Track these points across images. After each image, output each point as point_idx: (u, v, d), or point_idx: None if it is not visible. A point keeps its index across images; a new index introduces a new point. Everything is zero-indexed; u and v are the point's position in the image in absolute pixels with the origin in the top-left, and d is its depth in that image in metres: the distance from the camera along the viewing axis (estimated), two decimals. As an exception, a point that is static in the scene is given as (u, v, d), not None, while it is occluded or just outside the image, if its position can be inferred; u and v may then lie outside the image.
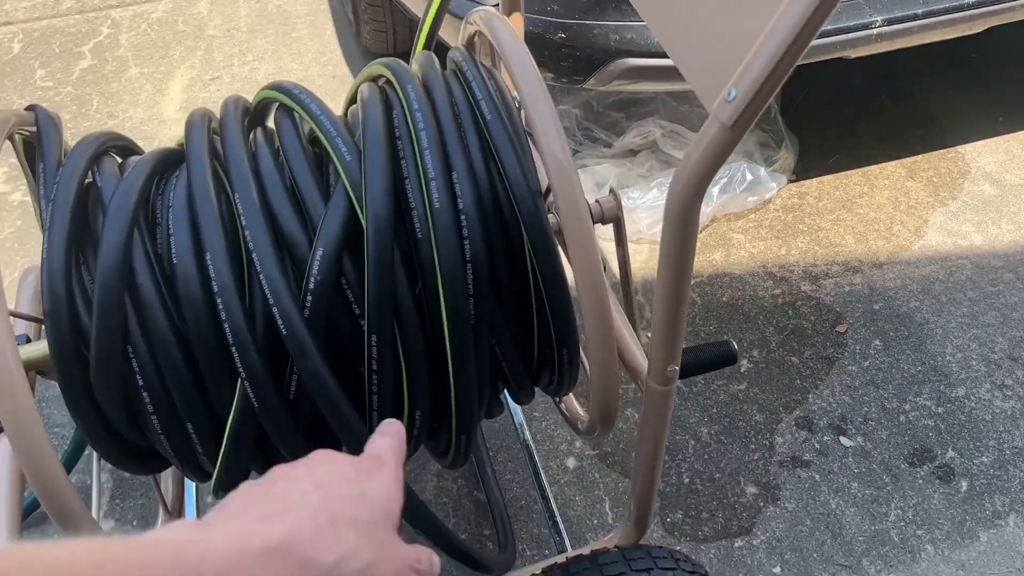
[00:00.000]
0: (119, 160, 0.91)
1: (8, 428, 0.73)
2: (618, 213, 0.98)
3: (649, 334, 0.87)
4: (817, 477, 1.40)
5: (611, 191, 0.97)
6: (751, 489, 1.39)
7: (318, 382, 0.79)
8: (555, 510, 1.23)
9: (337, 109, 0.95)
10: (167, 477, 1.20)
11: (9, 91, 2.42)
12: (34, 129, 0.92)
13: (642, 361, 0.95)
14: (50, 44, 2.61)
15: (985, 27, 1.57)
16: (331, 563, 0.48)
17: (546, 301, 0.86)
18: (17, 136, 0.93)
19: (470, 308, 0.82)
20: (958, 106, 2.13)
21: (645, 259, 1.78)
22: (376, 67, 0.95)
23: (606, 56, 1.47)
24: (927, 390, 1.52)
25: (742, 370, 1.57)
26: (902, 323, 1.63)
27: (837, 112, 2.12)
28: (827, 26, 1.45)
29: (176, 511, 1.14)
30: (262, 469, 0.92)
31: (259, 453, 0.89)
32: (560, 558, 1.04)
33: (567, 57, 1.51)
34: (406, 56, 2.12)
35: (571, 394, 1.22)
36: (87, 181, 0.85)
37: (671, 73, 1.51)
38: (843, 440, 1.45)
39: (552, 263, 0.84)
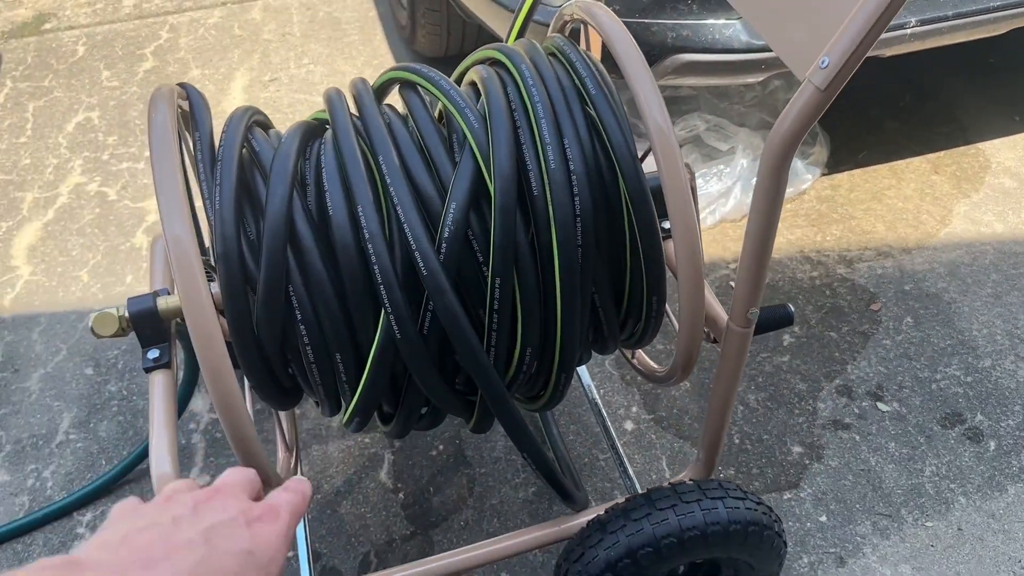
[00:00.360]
0: (262, 128, 1.04)
1: (204, 367, 0.85)
2: (693, 183, 1.10)
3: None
4: (857, 438, 1.52)
5: (686, 164, 1.10)
6: (797, 449, 1.51)
7: (451, 316, 0.90)
8: (623, 456, 1.35)
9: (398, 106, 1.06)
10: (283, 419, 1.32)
11: (78, 90, 2.54)
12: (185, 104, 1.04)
13: (719, 311, 1.07)
14: (113, 47, 2.74)
15: (1007, 29, 1.69)
16: None
17: (641, 253, 0.98)
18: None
19: (578, 258, 0.94)
20: (978, 107, 2.25)
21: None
22: (486, 51, 1.07)
23: (663, 51, 1.59)
24: (956, 361, 1.63)
25: (785, 343, 1.68)
26: (931, 302, 1.75)
27: (865, 112, 2.25)
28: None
29: (294, 448, 1.25)
30: (392, 404, 1.04)
31: (391, 389, 1.01)
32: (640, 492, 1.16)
33: (625, 54, 1.63)
34: (458, 58, 2.27)
35: (642, 351, 1.33)
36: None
37: (720, 68, 1.63)
38: (880, 405, 1.57)
39: (649, 218, 0.95)
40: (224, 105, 2.43)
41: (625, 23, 1.59)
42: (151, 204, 2.10)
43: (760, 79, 1.68)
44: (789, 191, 1.95)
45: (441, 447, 1.53)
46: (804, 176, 1.96)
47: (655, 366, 1.24)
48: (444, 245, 0.90)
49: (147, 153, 2.30)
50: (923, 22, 1.60)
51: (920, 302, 1.75)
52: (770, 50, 1.59)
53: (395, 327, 0.90)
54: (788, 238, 1.90)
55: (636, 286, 1.02)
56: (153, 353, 0.97)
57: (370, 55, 2.59)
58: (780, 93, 2.07)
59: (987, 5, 1.62)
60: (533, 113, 0.94)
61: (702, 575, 1.20)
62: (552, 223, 0.92)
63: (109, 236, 2.04)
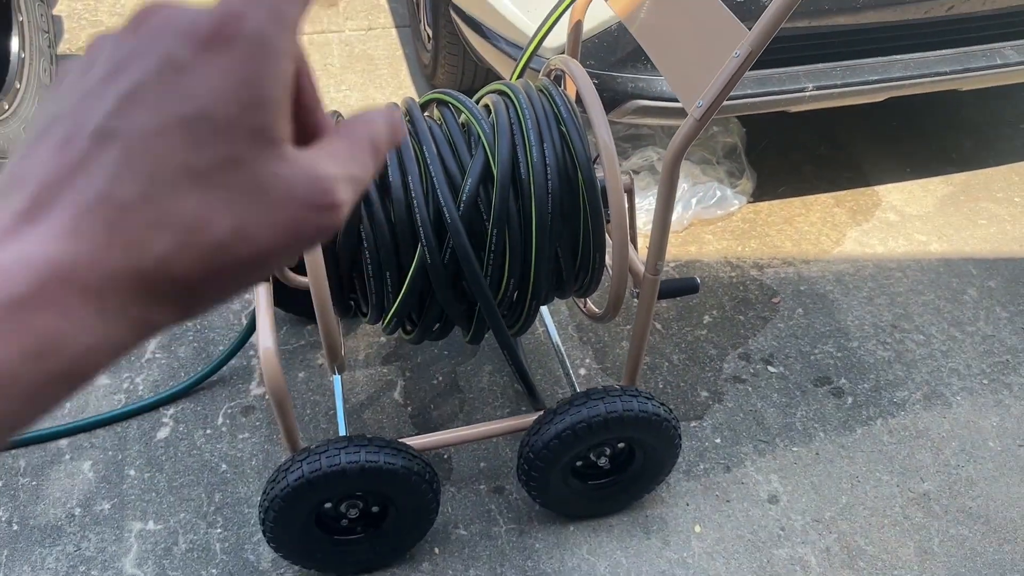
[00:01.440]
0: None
1: (311, 278, 1.30)
2: (631, 186, 1.57)
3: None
4: (750, 389, 1.98)
5: (627, 174, 1.58)
6: (704, 393, 1.97)
7: (463, 251, 1.37)
8: (573, 377, 1.80)
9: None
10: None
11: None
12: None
13: (640, 268, 1.53)
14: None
15: (885, 97, 2.19)
16: (157, 259, 0.27)
17: (590, 223, 1.45)
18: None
19: (548, 221, 1.41)
20: (879, 158, 2.75)
21: (640, 247, 2.37)
22: (497, 85, 1.55)
23: (625, 97, 2.07)
24: (831, 342, 2.10)
25: (704, 321, 2.15)
26: (819, 299, 2.22)
27: (788, 157, 2.74)
28: (774, 88, 2.08)
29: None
30: (417, 315, 1.49)
31: (418, 305, 1.47)
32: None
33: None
34: (470, 90, 2.71)
35: (588, 301, 1.79)
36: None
37: (667, 112, 2.11)
38: (770, 368, 2.03)
39: (595, 200, 1.42)
40: (275, 118, 2.90)
41: (597, 74, 2.08)
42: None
43: (696, 122, 2.17)
44: (719, 212, 2.43)
45: (440, 378, 1.99)
46: (732, 201, 2.44)
47: (596, 310, 1.70)
48: (462, 205, 1.37)
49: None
50: (818, 88, 2.09)
51: (811, 299, 2.22)
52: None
53: (427, 255, 1.37)
54: (716, 247, 2.38)
55: (586, 245, 1.48)
56: (260, 270, 1.43)
57: (396, 86, 3.07)
58: (718, 136, 2.56)
59: (867, 78, 2.12)
60: (524, 127, 1.41)
61: (623, 457, 1.65)
62: (532, 197, 1.39)
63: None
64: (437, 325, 1.54)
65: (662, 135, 2.51)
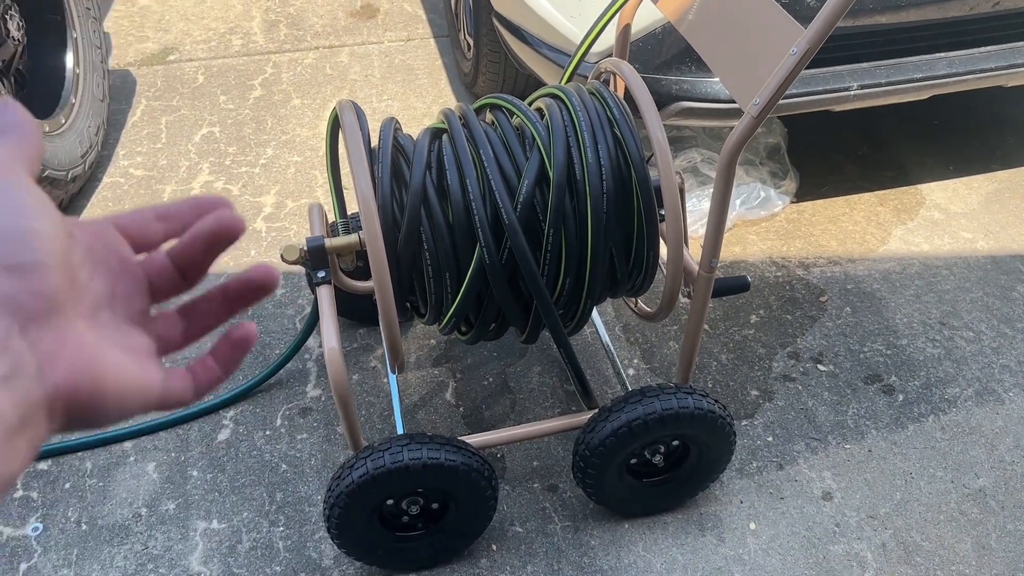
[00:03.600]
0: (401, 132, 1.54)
1: (375, 273, 1.34)
2: (682, 185, 1.59)
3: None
4: (800, 387, 1.99)
5: (679, 174, 1.60)
6: (754, 392, 1.98)
7: (521, 251, 1.39)
8: (623, 374, 1.82)
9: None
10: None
11: (201, 110, 3.08)
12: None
13: (694, 267, 1.55)
14: (227, 77, 3.29)
15: (929, 95, 2.19)
16: None
17: (644, 222, 1.47)
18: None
19: (603, 221, 1.43)
20: (922, 157, 2.74)
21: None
22: (549, 89, 1.58)
23: (669, 99, 2.10)
24: (880, 340, 2.11)
25: (752, 321, 2.16)
26: (867, 298, 2.22)
27: (830, 157, 2.74)
28: (818, 87, 2.09)
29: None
30: (475, 316, 1.52)
31: (476, 305, 1.50)
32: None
33: (641, 99, 2.14)
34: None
35: (640, 300, 1.81)
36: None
37: (710, 113, 2.13)
38: (819, 367, 2.04)
39: (650, 201, 1.45)
40: (321, 128, 2.96)
41: (642, 77, 2.09)
42: (266, 199, 2.62)
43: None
44: (763, 213, 2.45)
45: (491, 379, 2.02)
46: (776, 202, 2.45)
47: (648, 309, 1.72)
48: (519, 206, 1.40)
49: (262, 160, 2.82)
50: (862, 87, 2.10)
51: (858, 297, 2.22)
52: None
53: (486, 256, 1.40)
54: (761, 247, 2.39)
55: (640, 245, 1.51)
56: (321, 273, 1.47)
57: (436, 95, 3.12)
58: (761, 137, 2.57)
59: (911, 76, 2.12)
60: (579, 128, 1.44)
61: (678, 455, 1.67)
62: (588, 197, 1.42)
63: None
64: (493, 325, 1.56)
65: (704, 136, 2.53)
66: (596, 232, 1.43)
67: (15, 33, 2.32)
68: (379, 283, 1.35)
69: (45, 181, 2.27)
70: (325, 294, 1.51)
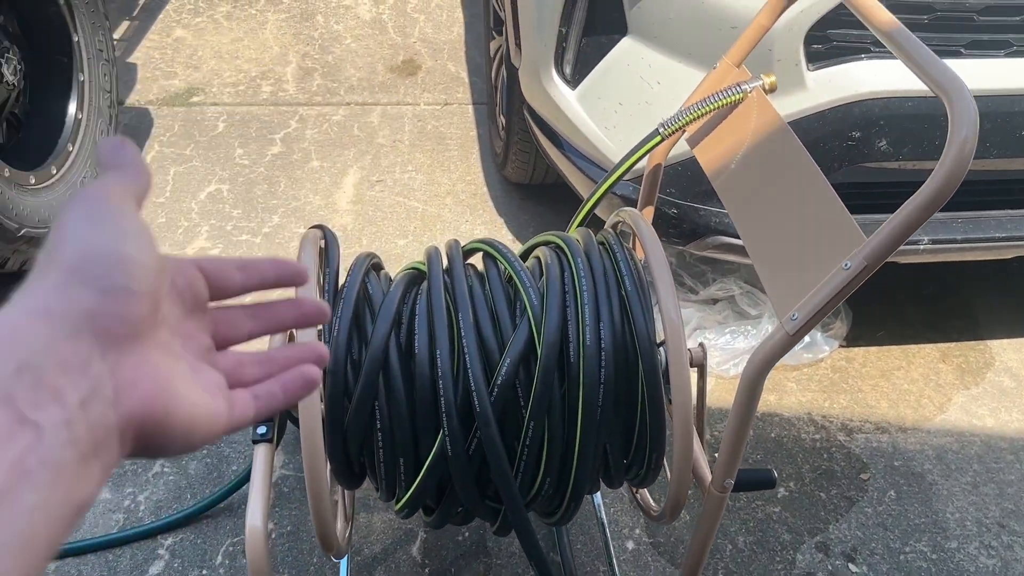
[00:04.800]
0: (376, 270, 1.33)
1: (305, 449, 1.12)
2: (703, 361, 1.35)
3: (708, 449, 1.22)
4: (825, 592, 1.71)
5: (700, 344, 1.35)
6: (771, 591, 1.70)
7: (491, 444, 1.16)
8: (615, 564, 1.56)
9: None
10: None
11: (214, 162, 2.92)
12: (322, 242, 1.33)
13: (706, 472, 1.30)
14: (248, 127, 3.13)
15: (1012, 255, 1.91)
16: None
17: (648, 419, 1.23)
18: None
19: (597, 416, 1.19)
20: (995, 306, 2.45)
21: (712, 388, 2.13)
22: (552, 237, 1.35)
23: (706, 231, 1.85)
24: (926, 538, 1.82)
25: (779, 495, 1.89)
26: (915, 480, 1.94)
27: (891, 295, 2.46)
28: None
29: (351, 520, 1.51)
30: (435, 502, 1.29)
31: (437, 494, 1.26)
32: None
33: (676, 227, 1.90)
34: (540, 186, 2.57)
35: (645, 489, 1.56)
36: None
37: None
38: (851, 567, 1.75)
39: (657, 396, 1.20)
40: (335, 197, 2.77)
41: (678, 203, 1.86)
42: (260, 276, 2.42)
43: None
44: (807, 357, 2.18)
45: (467, 534, 1.77)
46: (822, 347, 2.18)
47: (653, 504, 1.47)
48: (496, 389, 1.16)
49: (265, 228, 2.64)
50: (934, 241, 1.84)
51: (905, 479, 1.94)
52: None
53: (448, 447, 1.16)
54: (799, 399, 2.12)
55: (642, 439, 1.26)
56: (261, 429, 1.25)
57: (464, 171, 2.91)
58: (813, 269, 2.31)
59: (992, 235, 1.85)
60: (580, 299, 1.20)
61: None
62: (581, 386, 1.18)
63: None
64: (459, 510, 1.33)
65: (748, 267, 2.27)
66: (587, 428, 1.19)
67: (9, 77, 2.17)
68: (310, 460, 1.12)
69: (20, 240, 2.10)
70: (261, 455, 1.28)
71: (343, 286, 1.23)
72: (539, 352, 1.17)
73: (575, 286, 1.22)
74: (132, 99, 3.24)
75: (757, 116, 1.28)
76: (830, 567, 1.75)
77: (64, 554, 1.69)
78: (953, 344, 2.31)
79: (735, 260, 1.98)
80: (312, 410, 1.12)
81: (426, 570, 1.70)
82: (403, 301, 1.23)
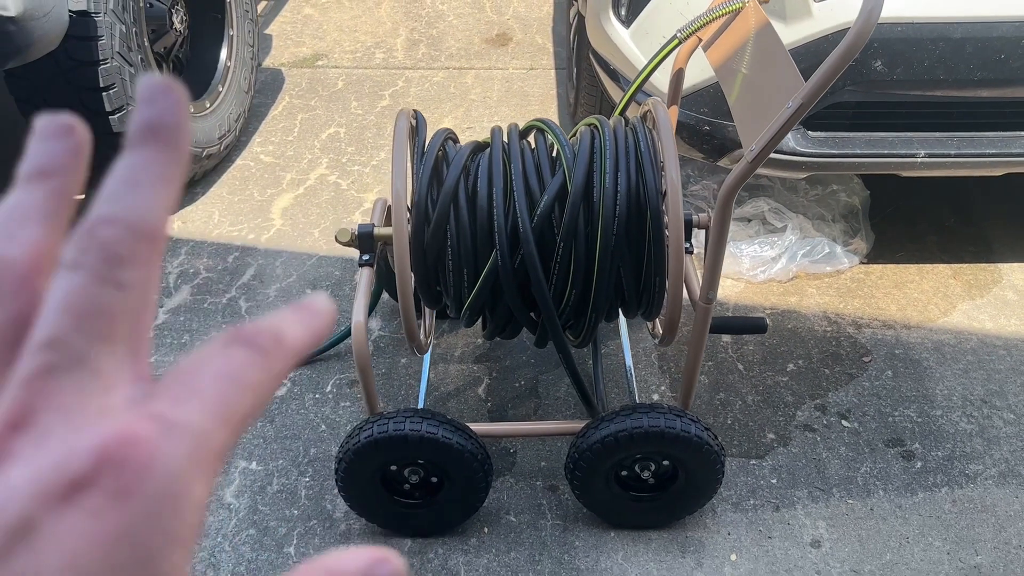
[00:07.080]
0: (453, 142, 1.71)
1: (397, 263, 1.51)
2: (708, 223, 1.67)
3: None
4: (818, 439, 1.99)
5: (707, 212, 1.68)
6: (771, 435, 2.00)
7: (531, 259, 1.52)
8: (636, 395, 1.90)
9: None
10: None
11: (333, 112, 3.37)
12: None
13: (696, 294, 1.62)
14: (363, 85, 3.58)
15: (1003, 172, 2.14)
16: None
17: (653, 249, 1.56)
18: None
19: (612, 241, 1.54)
20: (1013, 239, 2.65)
21: (741, 291, 2.42)
22: (591, 118, 1.70)
23: (736, 145, 2.16)
24: (914, 407, 2.07)
25: (788, 369, 2.18)
26: (912, 365, 2.19)
27: (914, 225, 2.69)
28: (884, 150, 2.10)
29: (431, 334, 1.90)
30: (490, 312, 1.65)
31: (491, 303, 1.63)
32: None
33: (709, 142, 2.21)
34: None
35: (657, 323, 1.89)
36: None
37: (774, 163, 2.18)
38: (844, 422, 2.03)
39: (659, 229, 1.54)
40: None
41: (710, 120, 2.18)
42: (369, 195, 2.85)
43: (802, 176, 2.22)
44: (827, 268, 2.44)
45: (523, 382, 2.14)
46: (842, 260, 2.44)
47: (661, 331, 1.80)
48: (536, 218, 1.52)
49: (373, 161, 3.08)
50: (930, 155, 2.09)
51: (903, 363, 2.19)
52: (814, 154, 2.14)
53: (499, 261, 1.53)
54: (817, 300, 2.39)
55: (648, 269, 1.60)
56: (366, 256, 1.65)
57: (543, 121, 3.28)
58: (839, 195, 2.57)
59: (984, 151, 2.09)
60: (603, 155, 1.55)
61: (666, 477, 1.73)
62: (600, 218, 1.53)
63: (336, 211, 2.79)
64: (506, 324, 1.69)
65: (780, 188, 2.56)
66: (604, 250, 1.53)
67: (178, 26, 2.66)
68: (399, 271, 1.51)
69: (182, 155, 2.58)
70: (365, 275, 1.68)
71: (427, 147, 1.62)
72: (569, 189, 1.52)
73: (601, 145, 1.57)
74: (267, 62, 3.74)
75: (753, 21, 1.60)
76: (825, 422, 2.03)
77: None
78: (965, 265, 2.53)
79: (763, 172, 2.27)
80: (402, 236, 1.50)
81: (488, 404, 2.07)
82: (471, 158, 1.61)
